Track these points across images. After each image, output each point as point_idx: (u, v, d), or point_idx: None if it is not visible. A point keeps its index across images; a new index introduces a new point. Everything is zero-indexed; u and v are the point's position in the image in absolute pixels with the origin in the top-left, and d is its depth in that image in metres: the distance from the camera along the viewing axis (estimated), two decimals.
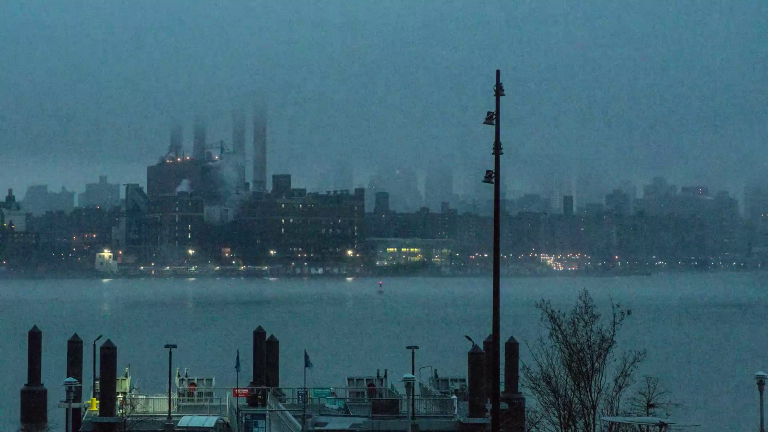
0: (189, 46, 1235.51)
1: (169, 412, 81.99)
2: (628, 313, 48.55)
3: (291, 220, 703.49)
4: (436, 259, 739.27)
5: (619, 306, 47.99)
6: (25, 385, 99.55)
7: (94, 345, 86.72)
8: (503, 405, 75.08)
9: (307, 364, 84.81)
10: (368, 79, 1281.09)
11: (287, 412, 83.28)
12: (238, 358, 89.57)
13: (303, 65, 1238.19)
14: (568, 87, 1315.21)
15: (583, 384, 47.44)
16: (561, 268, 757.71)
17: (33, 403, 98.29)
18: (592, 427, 47.27)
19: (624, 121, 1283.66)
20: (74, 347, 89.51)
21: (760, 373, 62.10)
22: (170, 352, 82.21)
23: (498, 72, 48.30)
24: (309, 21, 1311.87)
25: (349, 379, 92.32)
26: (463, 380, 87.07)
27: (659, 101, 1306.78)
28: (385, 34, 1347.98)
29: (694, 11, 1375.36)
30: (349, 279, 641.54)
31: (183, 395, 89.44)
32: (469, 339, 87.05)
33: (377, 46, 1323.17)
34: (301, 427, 77.32)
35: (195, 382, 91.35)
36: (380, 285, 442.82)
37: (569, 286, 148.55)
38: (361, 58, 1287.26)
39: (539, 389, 48.49)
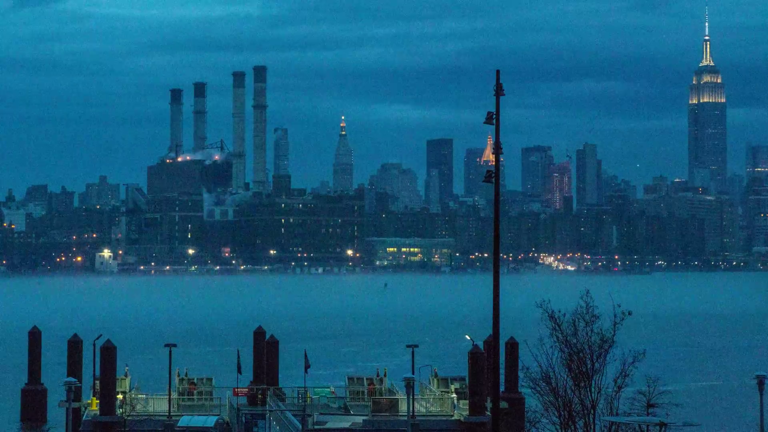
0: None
1: (169, 412, 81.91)
2: (629, 313, 48.54)
3: (291, 220, 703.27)
4: (436, 259, 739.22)
5: (620, 306, 48.00)
6: (25, 384, 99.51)
7: (94, 345, 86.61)
8: (503, 404, 75.01)
9: (307, 365, 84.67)
10: (368, 77, 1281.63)
11: (287, 412, 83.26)
12: (239, 359, 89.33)
13: (304, 66, 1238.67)
14: (567, 83, 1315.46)
15: (583, 384, 47.44)
16: (561, 268, 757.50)
17: (33, 402, 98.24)
18: (591, 427, 47.26)
19: (622, 120, 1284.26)
20: (74, 347, 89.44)
21: (760, 373, 62.09)
22: (170, 352, 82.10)
23: (498, 72, 48.24)
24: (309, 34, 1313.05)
25: (349, 379, 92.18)
26: (463, 379, 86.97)
27: (658, 99, 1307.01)
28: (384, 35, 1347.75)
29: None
30: (350, 279, 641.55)
31: (183, 395, 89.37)
32: (470, 339, 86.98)
33: (378, 46, 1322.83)
34: (301, 427, 77.25)
35: (195, 381, 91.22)
36: (385, 285, 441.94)
37: (569, 286, 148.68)
38: (361, 60, 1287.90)
39: (539, 389, 48.47)
